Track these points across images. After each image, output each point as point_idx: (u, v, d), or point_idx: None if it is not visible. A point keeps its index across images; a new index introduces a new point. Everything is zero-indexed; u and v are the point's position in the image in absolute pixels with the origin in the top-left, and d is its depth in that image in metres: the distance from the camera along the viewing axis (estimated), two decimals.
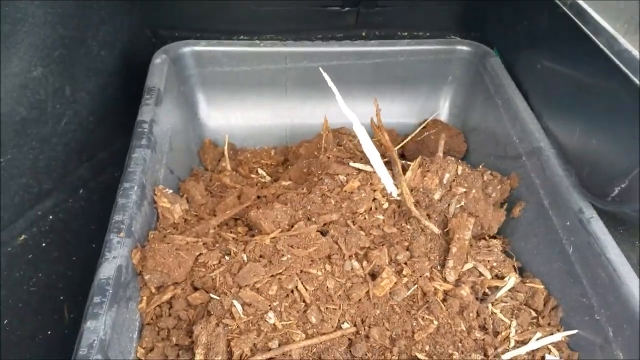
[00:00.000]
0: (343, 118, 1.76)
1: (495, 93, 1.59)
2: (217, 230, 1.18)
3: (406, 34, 2.03)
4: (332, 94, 1.79)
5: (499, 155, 1.52)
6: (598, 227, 1.14)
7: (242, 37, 1.88)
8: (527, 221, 1.37)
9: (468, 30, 2.03)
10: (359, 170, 1.28)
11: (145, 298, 1.06)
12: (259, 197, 1.34)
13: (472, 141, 1.69)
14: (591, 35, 1.18)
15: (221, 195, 1.37)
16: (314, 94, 1.77)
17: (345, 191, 1.24)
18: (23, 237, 1.28)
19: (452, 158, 1.34)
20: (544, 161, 1.32)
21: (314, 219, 1.21)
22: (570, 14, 1.27)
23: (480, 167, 1.42)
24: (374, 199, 1.24)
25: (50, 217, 1.41)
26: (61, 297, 1.38)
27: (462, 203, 1.28)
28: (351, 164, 1.27)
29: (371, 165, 1.26)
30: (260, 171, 1.66)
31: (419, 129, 1.73)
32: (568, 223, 1.21)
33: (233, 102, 1.75)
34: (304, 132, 1.74)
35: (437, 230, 1.19)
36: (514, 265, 1.26)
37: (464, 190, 1.28)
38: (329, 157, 1.33)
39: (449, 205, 1.28)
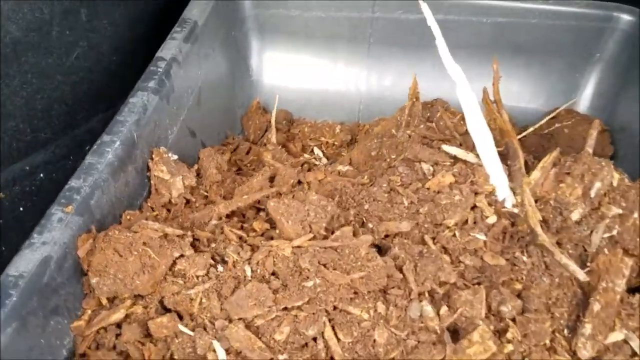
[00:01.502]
0: (441, 88, 1.33)
1: None
2: (223, 222, 0.78)
3: None
4: (426, 58, 1.35)
5: None
6: None
7: None
8: None
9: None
10: (455, 159, 0.84)
11: (88, 313, 0.68)
12: (299, 182, 0.93)
13: (621, 144, 1.18)
14: None
15: (252, 175, 0.97)
16: (404, 57, 1.33)
17: (429, 188, 0.80)
18: None
19: (609, 161, 0.85)
20: None
21: (371, 226, 0.78)
22: None
23: None
24: (475, 207, 0.79)
25: (41, 175, 1.08)
26: None
27: (614, 232, 0.80)
28: (444, 147, 0.82)
29: (476, 154, 0.81)
30: (316, 150, 1.25)
31: (547, 118, 1.24)
32: None
33: (297, 58, 1.35)
34: (383, 107, 1.31)
35: (581, 276, 0.72)
36: None
37: (620, 211, 0.80)
38: (410, 136, 0.89)
39: (591, 232, 0.80)
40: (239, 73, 1.31)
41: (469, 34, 1.27)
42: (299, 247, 0.67)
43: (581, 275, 0.70)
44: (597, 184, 0.79)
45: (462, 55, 1.29)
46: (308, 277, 0.66)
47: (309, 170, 1.00)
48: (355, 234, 0.69)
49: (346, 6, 1.27)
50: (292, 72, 1.35)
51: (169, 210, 0.84)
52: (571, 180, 0.79)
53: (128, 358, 0.66)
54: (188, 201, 0.86)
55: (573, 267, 0.70)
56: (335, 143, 1.30)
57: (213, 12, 1.16)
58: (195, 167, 0.91)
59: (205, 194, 0.89)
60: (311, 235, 0.67)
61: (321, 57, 1.34)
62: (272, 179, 0.94)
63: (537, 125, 1.22)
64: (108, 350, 0.66)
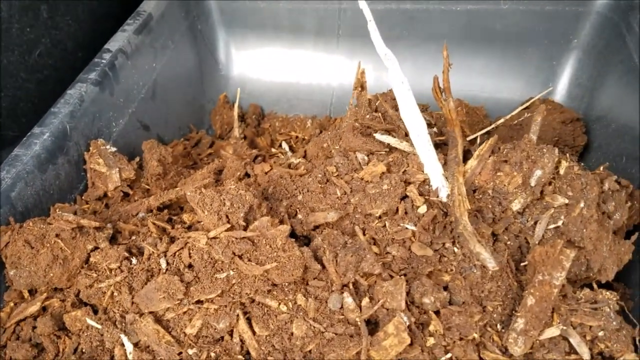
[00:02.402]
0: (411, 79, 1.30)
1: None
2: (153, 215, 0.77)
3: None
4: (395, 51, 1.31)
5: (635, 158, 0.96)
6: None
7: None
8: None
9: None
10: (391, 149, 0.80)
11: (10, 305, 0.67)
12: (247, 175, 0.91)
13: (596, 134, 1.13)
14: None
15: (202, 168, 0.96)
16: (374, 49, 1.29)
17: (362, 178, 0.77)
18: None
19: (553, 147, 0.81)
20: None
21: (300, 217, 0.75)
22: None
23: (601, 168, 0.88)
24: (405, 197, 0.75)
25: None
26: None
27: (560, 223, 0.76)
28: (377, 135, 0.79)
29: (411, 143, 0.78)
30: (284, 145, 1.23)
31: (520, 108, 1.19)
32: None
33: (266, 51, 1.33)
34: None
35: (491, 264, 0.68)
36: (634, 340, 0.72)
37: (565, 201, 0.76)
38: (353, 126, 0.86)
39: (535, 222, 0.76)
40: (207, 67, 1.30)
41: (438, 23, 1.24)
42: (214, 238, 0.65)
43: (491, 264, 0.66)
44: (538, 172, 0.75)
45: (431, 46, 1.27)
46: (222, 269, 0.64)
47: (258, 162, 0.98)
48: (272, 224, 0.66)
49: None
50: (262, 66, 1.34)
51: (106, 205, 0.83)
52: (509, 168, 0.76)
53: (43, 351, 0.65)
54: (127, 194, 0.85)
55: (484, 255, 0.66)
56: (305, 137, 1.28)
57: (172, 5, 1.15)
58: (137, 159, 0.90)
59: (147, 186, 0.88)
60: (228, 225, 0.65)
61: (291, 49, 1.32)
62: (220, 172, 0.93)
63: (508, 116, 1.17)
64: (23, 342, 0.65)
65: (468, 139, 1.16)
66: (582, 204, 0.75)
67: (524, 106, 1.20)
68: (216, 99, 1.29)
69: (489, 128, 1.18)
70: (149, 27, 1.06)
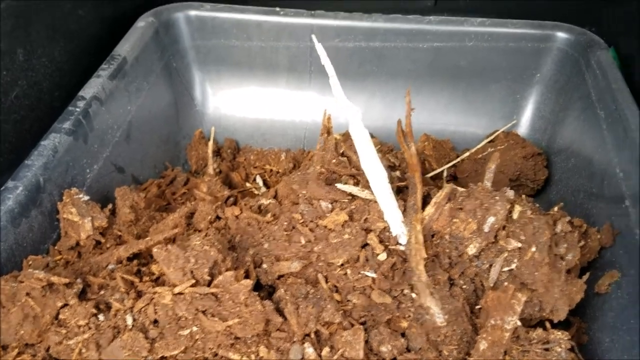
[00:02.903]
0: (381, 115, 1.34)
1: (598, 100, 1.07)
2: (123, 266, 0.79)
3: None
4: (365, 87, 1.36)
5: (592, 194, 1.01)
6: None
7: None
8: (620, 304, 0.85)
9: (582, 24, 1.49)
10: (353, 197, 0.84)
11: None
12: (218, 218, 0.94)
13: (557, 168, 1.18)
14: None
15: (175, 211, 0.99)
16: (344, 85, 1.33)
17: (326, 226, 0.81)
18: None
19: (509, 191, 0.85)
20: None
21: (265, 267, 0.79)
22: None
23: (556, 209, 0.92)
24: (366, 245, 0.79)
25: None
26: None
27: (513, 266, 0.80)
28: (339, 185, 0.83)
29: (372, 191, 0.81)
30: (258, 179, 1.27)
31: (483, 142, 1.25)
32: None
33: (240, 88, 1.37)
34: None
35: (439, 319, 0.71)
36: None
37: (518, 245, 0.79)
38: (320, 172, 0.90)
39: (490, 266, 0.80)
40: (183, 104, 1.33)
41: (406, 60, 1.28)
42: (179, 294, 0.68)
43: (439, 319, 0.70)
44: (491, 219, 0.79)
45: (399, 82, 1.32)
46: (185, 325, 0.67)
47: (230, 204, 1.01)
48: (236, 279, 0.70)
49: (285, 35, 1.28)
50: (237, 102, 1.37)
51: (79, 253, 0.86)
52: (464, 215, 0.80)
53: None
54: (99, 243, 0.88)
55: (433, 310, 0.70)
56: (279, 171, 1.31)
57: (147, 47, 1.18)
58: (110, 206, 0.93)
59: (119, 233, 0.90)
60: (192, 281, 0.69)
61: (265, 86, 1.36)
62: (190, 216, 0.96)
63: (473, 150, 1.22)
64: None
65: (434, 172, 1.21)
66: (533, 248, 0.79)
67: (489, 139, 1.26)
68: (192, 135, 1.32)
69: (455, 161, 1.23)
70: (123, 71, 1.09)
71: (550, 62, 1.24)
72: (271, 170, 1.31)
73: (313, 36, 0.85)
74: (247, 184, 1.25)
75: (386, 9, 1.59)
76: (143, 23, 1.22)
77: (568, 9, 1.48)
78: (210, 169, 1.20)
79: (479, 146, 1.23)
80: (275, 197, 1.04)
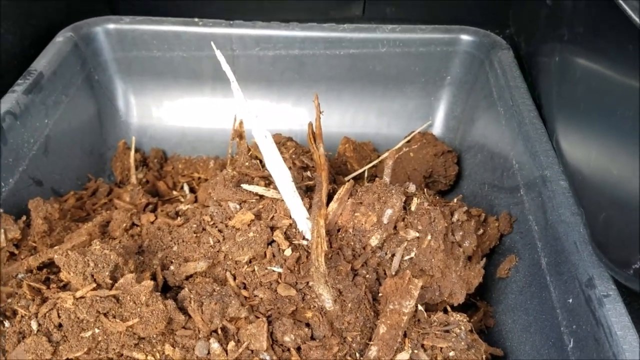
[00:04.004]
0: (302, 121, 1.38)
1: (498, 98, 1.14)
2: (33, 275, 0.80)
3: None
4: (290, 93, 1.41)
5: (494, 185, 1.08)
6: (614, 312, 0.69)
7: None
8: (519, 287, 0.92)
9: (502, 27, 1.59)
10: (261, 197, 0.88)
11: None
12: (134, 225, 0.96)
13: (467, 164, 1.24)
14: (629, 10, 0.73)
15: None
16: (268, 93, 1.38)
17: (234, 227, 0.84)
18: None
19: (412, 186, 0.90)
20: (547, 198, 0.87)
21: (172, 268, 0.81)
22: None
23: (455, 200, 0.98)
24: (273, 242, 0.83)
25: None
26: None
27: (412, 254, 0.85)
28: (244, 185, 0.86)
29: (278, 190, 0.85)
30: (185, 187, 1.29)
31: (401, 143, 1.31)
32: (570, 300, 0.76)
33: (165, 98, 1.39)
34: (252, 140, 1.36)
35: (328, 304, 0.76)
36: (483, 357, 0.81)
37: (416, 235, 0.85)
38: (232, 175, 0.93)
39: (392, 256, 0.85)
40: (106, 116, 1.34)
41: (325, 66, 1.33)
42: (81, 297, 0.70)
43: (328, 304, 0.75)
44: (388, 211, 0.84)
45: (321, 87, 1.36)
46: (87, 327, 0.69)
47: (146, 211, 1.03)
48: (137, 280, 0.72)
49: (206, 45, 1.31)
50: (162, 111, 1.39)
51: None
52: (364, 209, 0.84)
53: None
54: (12, 254, 0.88)
55: (325, 296, 0.74)
56: (207, 178, 1.34)
57: (66, 60, 1.19)
58: (24, 218, 0.94)
59: (34, 244, 0.91)
60: (93, 285, 0.70)
61: (190, 95, 1.38)
62: (106, 225, 0.97)
63: (389, 151, 1.27)
64: None
65: (355, 173, 1.26)
66: (429, 237, 0.85)
67: (406, 140, 1.32)
68: (117, 146, 1.34)
69: (374, 162, 1.29)
70: (39, 85, 1.09)
71: (458, 64, 1.30)
72: (199, 177, 1.34)
73: (212, 43, 0.88)
74: (174, 192, 1.27)
75: (316, 19, 1.66)
76: (61, 38, 1.23)
77: (486, 12, 1.58)
78: (133, 178, 1.22)
79: (396, 147, 1.28)
80: (195, 201, 1.07)
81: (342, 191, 0.86)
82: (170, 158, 1.38)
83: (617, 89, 0.76)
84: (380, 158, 1.28)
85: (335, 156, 1.31)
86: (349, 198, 0.86)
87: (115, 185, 1.25)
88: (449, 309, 0.88)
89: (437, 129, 1.36)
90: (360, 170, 1.27)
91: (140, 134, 1.37)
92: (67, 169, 1.17)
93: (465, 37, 1.28)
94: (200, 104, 1.39)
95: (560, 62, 0.99)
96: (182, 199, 1.26)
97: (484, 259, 0.93)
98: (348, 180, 1.18)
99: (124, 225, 0.94)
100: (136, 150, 1.33)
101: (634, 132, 0.67)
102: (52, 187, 1.11)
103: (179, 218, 0.95)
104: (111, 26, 1.28)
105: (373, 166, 1.29)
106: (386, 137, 1.38)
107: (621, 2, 0.68)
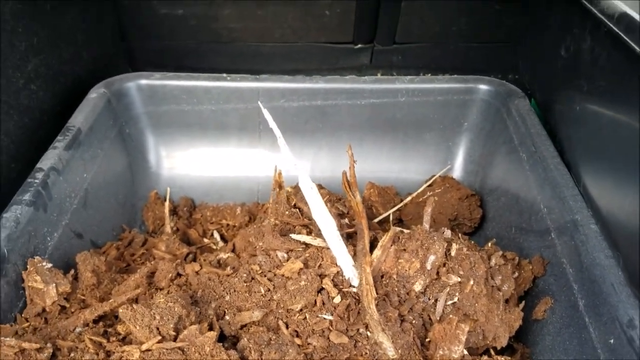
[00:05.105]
0: (329, 167, 1.43)
1: (519, 144, 1.19)
2: (89, 328, 0.83)
3: (430, 75, 1.70)
4: (313, 141, 1.46)
5: (522, 228, 1.11)
6: None
7: None
8: (556, 328, 0.94)
9: (505, 72, 1.67)
10: (307, 245, 0.91)
11: None
12: (179, 275, 0.99)
13: (490, 207, 1.29)
14: None
15: (135, 271, 1.02)
16: (291, 141, 1.41)
17: (283, 275, 0.87)
18: None
19: (447, 231, 0.94)
20: (580, 242, 0.91)
21: (228, 318, 0.84)
22: (616, 29, 0.88)
23: (489, 244, 1.02)
24: (322, 289, 0.86)
25: None
26: None
27: (456, 299, 0.88)
28: (293, 236, 0.90)
29: (324, 239, 0.89)
30: (215, 234, 1.32)
31: (423, 187, 1.35)
32: (612, 341, 0.79)
33: (193, 149, 1.43)
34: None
35: (391, 353, 0.78)
36: None
37: (458, 280, 0.88)
38: (275, 224, 0.96)
39: (435, 300, 0.88)
40: (137, 167, 1.38)
41: (347, 115, 1.38)
42: (147, 350, 0.72)
43: (391, 352, 0.77)
44: (432, 257, 0.87)
45: (343, 135, 1.42)
46: None
47: (190, 261, 1.06)
48: (201, 332, 0.74)
49: (234, 99, 1.37)
50: (191, 162, 1.43)
51: (45, 319, 0.88)
52: (408, 255, 0.88)
53: None
54: (64, 307, 0.90)
55: (385, 344, 0.77)
56: (236, 224, 1.37)
57: (100, 116, 1.24)
58: (72, 271, 0.96)
59: (83, 297, 0.93)
60: (159, 337, 0.73)
61: (217, 146, 1.43)
62: (151, 275, 1.00)
63: (413, 195, 1.32)
64: None
65: (381, 217, 1.30)
66: (472, 281, 0.88)
67: (427, 184, 1.36)
68: (148, 196, 1.37)
69: (399, 206, 1.33)
70: (78, 141, 1.13)
71: (475, 112, 1.36)
72: (228, 224, 1.37)
73: (260, 103, 0.93)
74: (205, 240, 1.30)
75: (326, 67, 1.74)
76: (95, 94, 1.28)
77: (489, 59, 1.66)
78: (168, 228, 1.25)
79: (419, 191, 1.33)
80: (233, 250, 1.10)
81: (385, 238, 0.89)
82: (198, 206, 1.42)
83: None
84: (405, 202, 1.32)
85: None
86: (391, 245, 0.89)
87: (149, 235, 1.28)
88: (492, 352, 0.90)
89: (457, 172, 1.41)
90: (386, 214, 1.31)
91: (170, 184, 1.40)
92: (103, 220, 1.20)
93: (481, 87, 1.35)
94: (226, 153, 1.43)
95: (581, 111, 1.04)
96: (214, 246, 1.29)
97: (523, 302, 0.96)
98: (378, 223, 1.22)
99: (170, 275, 0.97)
100: (171, 200, 1.36)
101: None
102: (91, 239, 1.14)
103: (222, 267, 0.98)
104: (143, 82, 1.34)
105: (397, 210, 1.33)
106: (407, 181, 1.42)
107: None
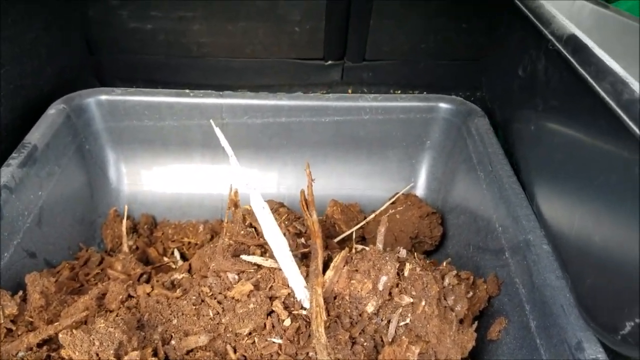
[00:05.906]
0: (291, 187, 1.43)
1: (478, 163, 1.20)
2: (33, 353, 0.80)
3: (399, 92, 1.72)
4: (278, 158, 1.45)
5: (479, 247, 1.12)
6: None
7: None
8: (510, 349, 0.94)
9: (473, 90, 1.69)
10: (259, 267, 0.90)
11: None
12: (130, 297, 0.97)
13: (450, 224, 1.29)
14: (590, 79, 0.80)
15: (87, 293, 1.00)
16: (255, 158, 1.42)
17: (233, 297, 0.86)
18: None
19: (402, 251, 0.94)
20: (532, 262, 0.91)
21: (174, 343, 0.82)
22: (565, 52, 0.89)
23: (444, 264, 1.02)
24: (272, 312, 0.84)
25: None
26: None
27: (408, 320, 0.87)
28: (242, 256, 0.89)
29: (276, 259, 0.88)
30: (175, 253, 1.30)
31: (385, 205, 1.35)
32: None
33: (156, 165, 1.42)
34: (245, 203, 1.38)
35: None
36: None
37: (410, 300, 0.88)
38: (229, 244, 0.95)
39: (388, 322, 0.88)
40: (97, 184, 1.36)
41: (311, 133, 1.38)
42: None
43: None
44: (383, 278, 0.87)
45: (307, 153, 1.41)
46: None
47: (141, 282, 1.04)
48: (144, 357, 0.73)
49: (197, 115, 1.36)
50: (153, 178, 1.42)
51: None
52: (360, 276, 0.87)
53: None
54: (10, 331, 0.88)
55: None
56: (197, 243, 1.35)
57: (58, 132, 1.22)
58: (20, 293, 0.94)
59: (31, 319, 0.91)
60: None
61: (180, 161, 1.42)
62: (102, 297, 0.98)
63: (377, 211, 1.32)
64: None
65: (345, 234, 1.29)
66: (423, 302, 0.88)
67: (391, 201, 1.36)
68: (107, 213, 1.35)
69: (361, 224, 1.32)
70: (33, 158, 1.11)
71: (437, 130, 1.37)
72: (189, 242, 1.35)
73: (212, 121, 0.92)
74: (165, 258, 1.28)
75: (297, 83, 1.74)
76: (54, 110, 1.26)
77: (457, 77, 1.68)
78: (125, 247, 1.23)
79: (381, 209, 1.33)
80: (189, 270, 1.08)
81: (338, 259, 0.89)
82: (159, 223, 1.40)
83: (598, 157, 0.81)
84: (367, 220, 1.32)
85: (323, 218, 1.35)
86: (344, 265, 0.89)
87: (106, 254, 1.25)
88: None
89: (420, 189, 1.41)
90: (348, 232, 1.31)
91: (131, 201, 1.39)
92: (59, 238, 1.17)
93: (443, 105, 1.36)
94: (190, 170, 1.42)
95: (536, 130, 1.05)
96: (174, 265, 1.27)
97: (476, 322, 0.96)
98: (337, 242, 1.22)
99: (120, 297, 0.95)
100: (127, 217, 1.34)
101: (619, 200, 0.72)
102: (45, 258, 1.11)
103: (175, 288, 0.96)
104: (103, 97, 1.32)
105: (360, 227, 1.33)
106: (371, 198, 1.42)
107: (594, 84, 0.74)
